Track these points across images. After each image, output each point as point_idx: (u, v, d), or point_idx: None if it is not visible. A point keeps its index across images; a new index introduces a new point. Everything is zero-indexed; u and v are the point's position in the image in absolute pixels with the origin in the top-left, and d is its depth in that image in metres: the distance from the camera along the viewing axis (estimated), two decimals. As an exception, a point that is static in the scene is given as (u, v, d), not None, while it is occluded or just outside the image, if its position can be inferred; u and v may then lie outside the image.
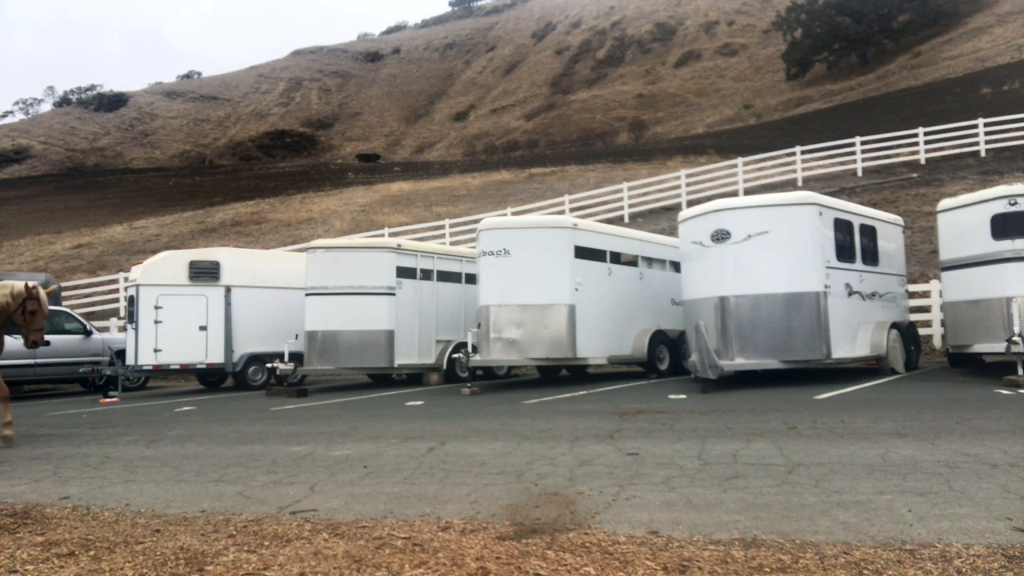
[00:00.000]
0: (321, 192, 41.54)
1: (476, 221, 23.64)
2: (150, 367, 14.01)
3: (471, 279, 13.77)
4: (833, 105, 53.39)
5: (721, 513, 3.82)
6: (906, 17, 64.57)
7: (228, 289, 14.49)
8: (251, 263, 15.30)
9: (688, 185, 25.64)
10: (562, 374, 14.86)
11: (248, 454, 6.30)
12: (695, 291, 10.97)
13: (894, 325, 11.69)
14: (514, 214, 25.32)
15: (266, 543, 3.61)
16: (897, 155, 26.34)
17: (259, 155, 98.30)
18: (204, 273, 14.40)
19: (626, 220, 24.79)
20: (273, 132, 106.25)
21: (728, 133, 52.13)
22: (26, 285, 7.59)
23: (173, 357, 14.04)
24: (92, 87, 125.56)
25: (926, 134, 26.15)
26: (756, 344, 10.24)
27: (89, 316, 21.43)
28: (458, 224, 26.16)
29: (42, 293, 7.65)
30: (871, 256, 11.69)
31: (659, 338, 13.22)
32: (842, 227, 10.96)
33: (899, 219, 13.40)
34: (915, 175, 24.46)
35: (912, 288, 14.65)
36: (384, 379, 15.19)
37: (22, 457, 6.67)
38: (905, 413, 7.11)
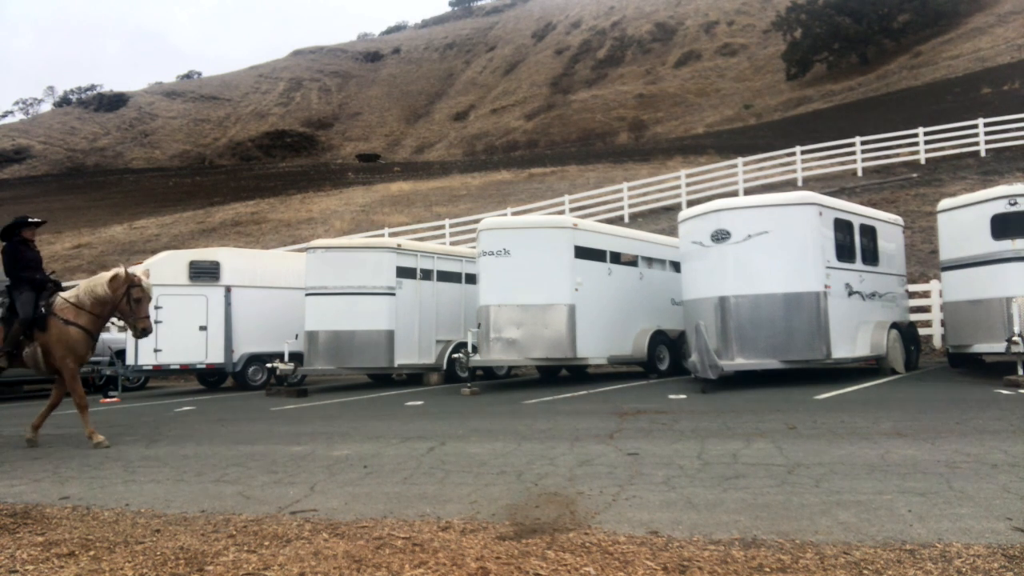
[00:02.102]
0: (321, 192, 41.56)
1: (476, 221, 23.64)
2: (150, 367, 14.02)
3: (471, 279, 13.76)
4: (833, 105, 53.39)
5: (721, 513, 3.82)
6: (906, 17, 64.55)
7: (228, 289, 14.50)
8: (251, 263, 15.32)
9: (688, 185, 25.64)
10: (562, 374, 14.85)
11: (248, 454, 6.30)
12: (695, 291, 10.97)
13: (894, 325, 11.69)
14: (514, 214, 25.32)
15: (266, 543, 3.61)
16: (897, 155, 26.33)
17: (259, 155, 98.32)
18: (204, 273, 14.41)
19: (626, 220, 24.78)
20: (273, 132, 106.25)
21: (728, 133, 52.14)
22: (126, 272, 7.23)
23: (173, 357, 14.05)
24: (92, 87, 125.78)
25: (926, 134, 26.14)
26: (756, 344, 10.23)
27: (89, 316, 21.38)
28: (458, 224, 26.16)
29: (145, 279, 7.31)
30: (871, 256, 11.69)
31: (659, 338, 13.22)
32: (842, 227, 10.95)
33: (899, 219, 13.40)
34: (915, 175, 24.46)
35: (912, 288, 14.65)
36: (384, 379, 15.19)
37: (22, 457, 6.66)
38: (905, 413, 7.11)
